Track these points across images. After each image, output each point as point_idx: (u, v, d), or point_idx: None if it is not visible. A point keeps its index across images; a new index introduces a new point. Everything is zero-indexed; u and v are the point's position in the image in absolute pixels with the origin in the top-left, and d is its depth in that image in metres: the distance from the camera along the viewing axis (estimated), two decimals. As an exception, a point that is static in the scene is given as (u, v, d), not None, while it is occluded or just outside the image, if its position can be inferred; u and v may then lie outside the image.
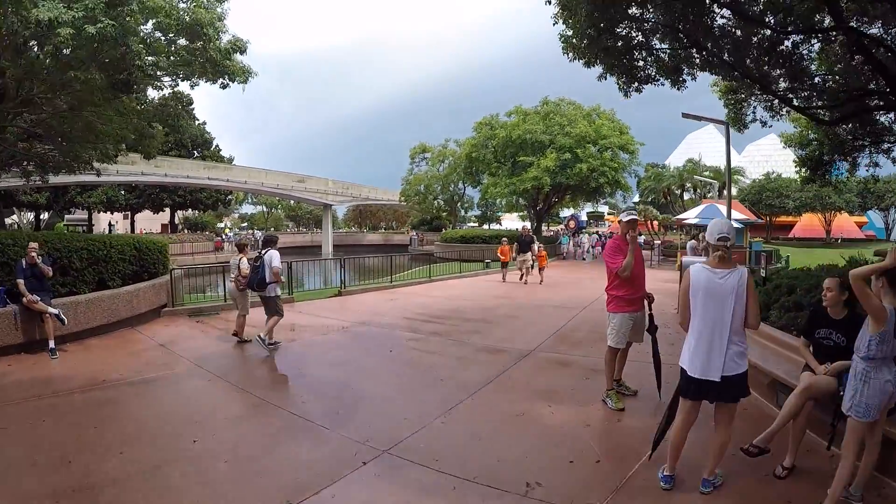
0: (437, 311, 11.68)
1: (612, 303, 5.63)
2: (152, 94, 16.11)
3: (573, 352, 7.91)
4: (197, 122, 52.32)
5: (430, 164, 47.91)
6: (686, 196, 38.00)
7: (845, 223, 48.63)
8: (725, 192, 11.14)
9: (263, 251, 7.87)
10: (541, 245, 17.92)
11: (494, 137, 33.85)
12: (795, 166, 15.76)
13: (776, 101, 13.71)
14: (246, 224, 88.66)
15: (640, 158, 32.56)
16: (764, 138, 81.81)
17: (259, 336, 7.71)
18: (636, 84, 10.62)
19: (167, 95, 48.91)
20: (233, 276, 8.49)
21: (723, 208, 15.12)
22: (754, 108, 14.07)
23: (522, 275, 16.99)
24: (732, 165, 39.66)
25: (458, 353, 7.94)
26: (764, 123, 14.08)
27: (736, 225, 13.66)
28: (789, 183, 46.41)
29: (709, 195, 36.57)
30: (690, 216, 16.16)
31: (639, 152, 31.74)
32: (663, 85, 10.95)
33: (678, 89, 10.96)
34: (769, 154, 66.35)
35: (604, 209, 72.32)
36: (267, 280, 7.76)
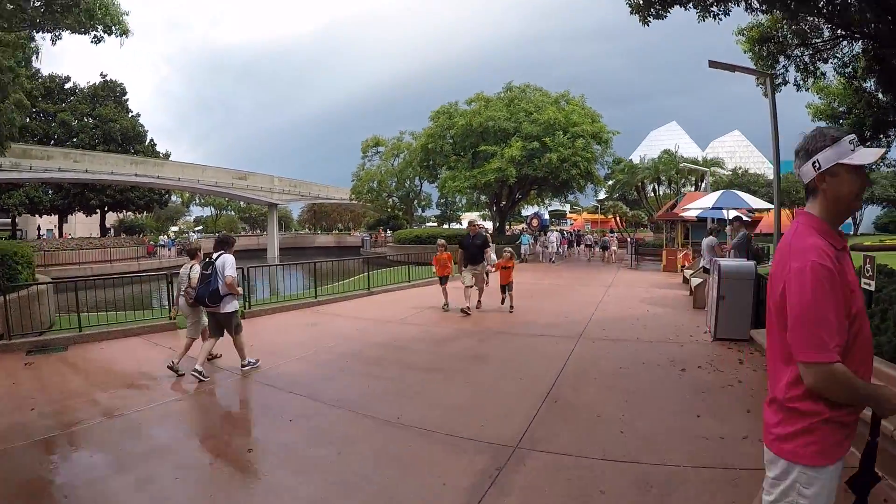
0: (365, 348, 7.94)
1: (801, 436, 1.81)
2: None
3: (589, 439, 4.34)
4: (130, 115, 47.22)
5: (384, 158, 44.04)
6: (660, 190, 35.30)
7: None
8: (773, 164, 7.92)
9: (215, 256, 6.53)
10: (508, 251, 11.30)
11: (453, 126, 30.33)
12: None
13: (813, 54, 10.67)
14: (201, 227, 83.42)
15: (613, 149, 29.54)
16: (727, 135, 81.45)
17: (195, 369, 6.19)
18: (658, 5, 7.30)
19: (97, 84, 43.67)
20: (183, 288, 6.94)
21: (742, 195, 11.96)
22: (785, 66, 10.99)
23: (469, 302, 10.51)
24: (700, 159, 37.24)
25: (377, 456, 4.23)
26: (798, 87, 11.02)
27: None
28: (757, 178, 44.98)
29: (684, 189, 33.94)
30: (701, 206, 12.95)
31: (612, 142, 28.75)
32: (689, 10, 7.81)
33: (704, 19, 8.04)
34: (733, 150, 65.20)
35: (565, 208, 69.87)
36: (221, 292, 6.37)
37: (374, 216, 61.65)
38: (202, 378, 6.16)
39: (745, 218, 12.94)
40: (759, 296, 7.93)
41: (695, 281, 12.08)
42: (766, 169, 60.64)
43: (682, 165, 30.79)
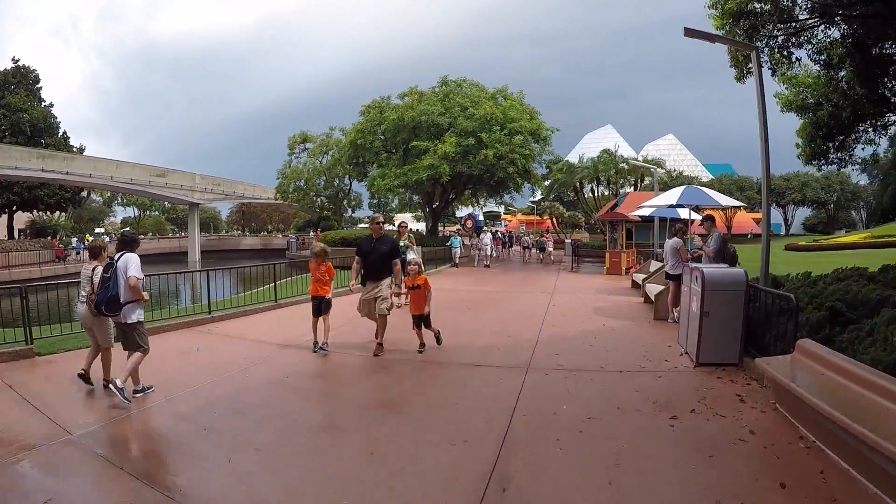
0: (244, 390, 5.61)
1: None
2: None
3: None
4: (43, 105, 42.12)
5: (312, 155, 41.19)
6: (598, 191, 34.42)
7: (743, 220, 48.55)
8: (761, 145, 6.28)
9: (117, 256, 5.47)
10: (415, 265, 7.58)
11: (384, 122, 28.13)
12: (799, 143, 11.60)
13: (788, 37, 9.31)
14: (128, 229, 76.83)
15: (552, 146, 28.14)
16: (661, 139, 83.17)
17: (115, 382, 5.13)
18: None
19: (7, 70, 38.50)
20: (84, 293, 5.69)
21: (708, 191, 10.50)
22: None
23: (377, 331, 7.19)
24: (639, 161, 36.66)
25: None
26: (774, 70, 9.66)
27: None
28: (691, 181, 45.55)
29: (622, 190, 33.18)
30: (658, 204, 11.41)
31: (552, 140, 27.37)
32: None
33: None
34: (667, 153, 66.22)
35: (500, 209, 68.82)
36: (122, 299, 5.32)
37: (305, 217, 58.36)
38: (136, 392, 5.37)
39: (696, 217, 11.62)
40: (750, 310, 6.31)
41: (653, 288, 10.51)
42: (699, 171, 61.98)
43: (630, 162, 29.92)
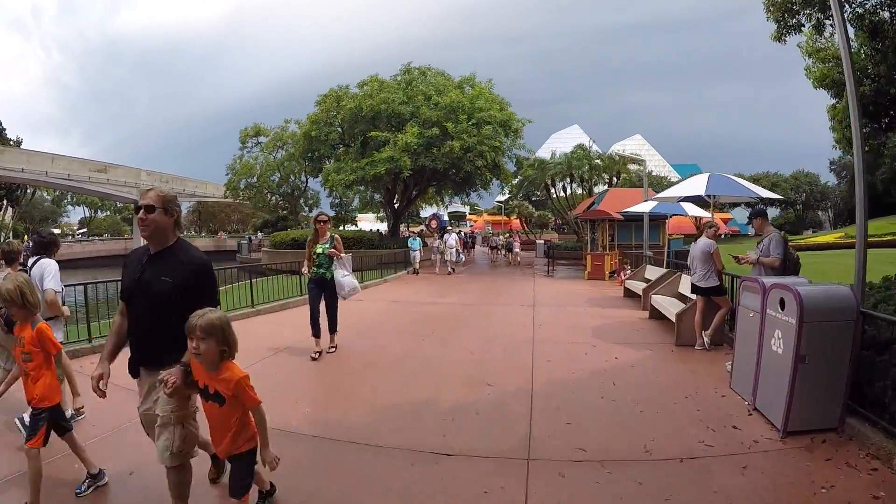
0: None
1: None
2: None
3: None
4: None
5: (265, 149, 38.01)
6: (571, 189, 32.40)
7: (682, 220, 47.84)
8: (850, 103, 3.99)
9: (31, 262, 4.48)
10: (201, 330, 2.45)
11: (342, 111, 25.46)
12: (833, 126, 9.61)
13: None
14: (85, 230, 72.14)
15: (524, 139, 25.84)
16: (628, 139, 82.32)
17: (18, 419, 4.05)
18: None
19: None
20: None
21: (741, 180, 8.39)
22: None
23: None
24: (599, 162, 34.68)
25: None
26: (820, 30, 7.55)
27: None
28: (660, 180, 44.55)
29: (596, 188, 31.26)
30: (676, 195, 9.23)
31: (523, 132, 25.10)
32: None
33: None
34: (636, 153, 64.92)
35: (465, 209, 66.41)
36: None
37: (263, 217, 54.60)
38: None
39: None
40: (861, 350, 4.12)
41: (665, 303, 8.31)
42: (667, 171, 61.03)
43: (616, 155, 28.01)
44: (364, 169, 22.75)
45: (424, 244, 21.12)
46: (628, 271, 15.86)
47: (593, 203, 21.30)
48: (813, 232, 58.37)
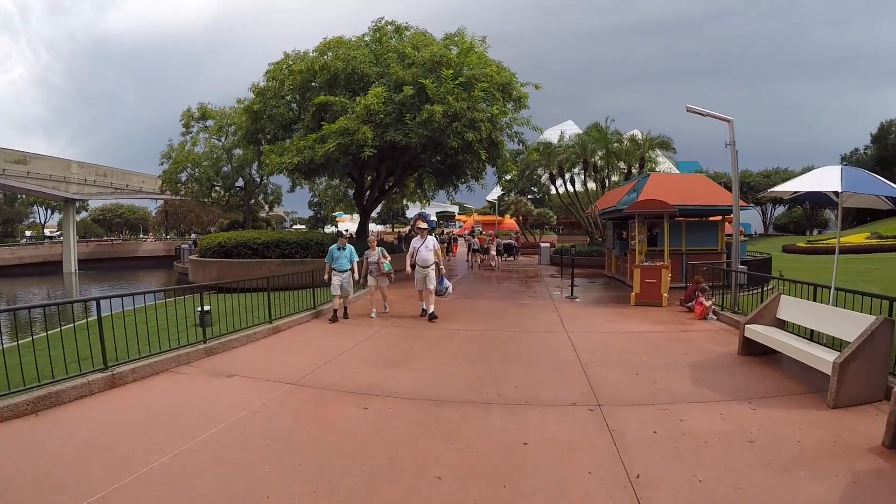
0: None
1: None
2: None
3: None
4: None
5: (211, 133, 31.44)
6: (580, 180, 26.38)
7: None
8: None
9: None
10: None
11: (292, 76, 18.95)
12: None
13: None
14: (60, 232, 65.45)
15: (530, 108, 19.27)
16: (625, 134, 76.57)
17: None
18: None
19: None
20: None
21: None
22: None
23: None
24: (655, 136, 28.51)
25: None
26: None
27: None
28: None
29: (613, 179, 25.18)
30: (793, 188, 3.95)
31: (527, 101, 18.64)
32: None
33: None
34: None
35: (454, 208, 60.03)
36: None
37: (230, 216, 46.95)
38: None
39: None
40: None
41: None
42: (668, 167, 55.77)
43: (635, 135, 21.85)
44: (314, 148, 16.42)
45: (385, 254, 10.95)
46: (708, 294, 10.02)
47: (633, 191, 15.09)
48: (819, 232, 53.01)
